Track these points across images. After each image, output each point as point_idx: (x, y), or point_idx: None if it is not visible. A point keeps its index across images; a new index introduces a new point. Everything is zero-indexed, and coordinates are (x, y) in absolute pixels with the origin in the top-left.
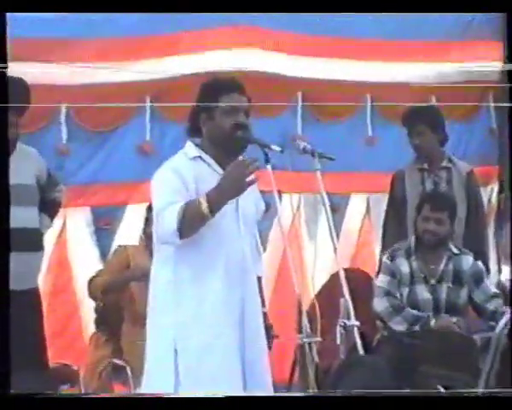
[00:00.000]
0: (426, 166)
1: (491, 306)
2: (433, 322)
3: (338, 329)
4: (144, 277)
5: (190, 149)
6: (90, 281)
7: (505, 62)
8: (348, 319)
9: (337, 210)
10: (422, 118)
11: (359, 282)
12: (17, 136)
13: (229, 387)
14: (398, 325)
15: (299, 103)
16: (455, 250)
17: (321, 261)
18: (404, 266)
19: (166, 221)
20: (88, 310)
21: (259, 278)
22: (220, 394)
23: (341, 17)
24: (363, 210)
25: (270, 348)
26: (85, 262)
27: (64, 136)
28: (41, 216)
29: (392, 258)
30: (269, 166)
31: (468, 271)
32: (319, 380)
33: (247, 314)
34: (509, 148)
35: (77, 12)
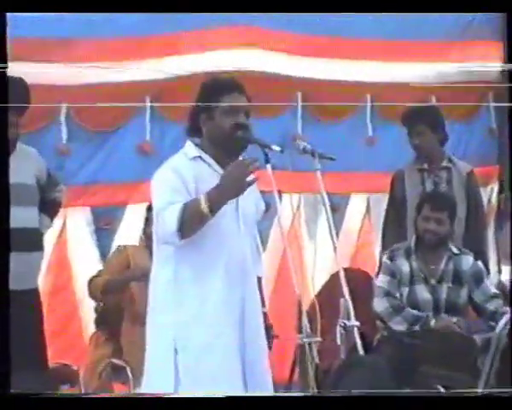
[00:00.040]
0: (426, 166)
1: (491, 306)
2: (433, 322)
3: (338, 329)
4: (144, 277)
5: (190, 148)
6: (90, 281)
7: (505, 62)
8: (348, 319)
9: (337, 210)
10: (422, 118)
11: (359, 282)
12: (17, 136)
13: (229, 387)
14: (399, 325)
15: (299, 103)
16: (455, 250)
17: (321, 261)
18: (404, 266)
19: (167, 221)
20: (88, 310)
21: (259, 279)
22: (220, 394)
23: (341, 17)
24: (363, 210)
25: (270, 348)
26: (85, 262)
27: (64, 136)
28: (41, 216)
29: (392, 258)
30: (269, 166)
31: (468, 271)
32: (319, 380)
33: (248, 314)
34: (509, 148)
35: (77, 12)
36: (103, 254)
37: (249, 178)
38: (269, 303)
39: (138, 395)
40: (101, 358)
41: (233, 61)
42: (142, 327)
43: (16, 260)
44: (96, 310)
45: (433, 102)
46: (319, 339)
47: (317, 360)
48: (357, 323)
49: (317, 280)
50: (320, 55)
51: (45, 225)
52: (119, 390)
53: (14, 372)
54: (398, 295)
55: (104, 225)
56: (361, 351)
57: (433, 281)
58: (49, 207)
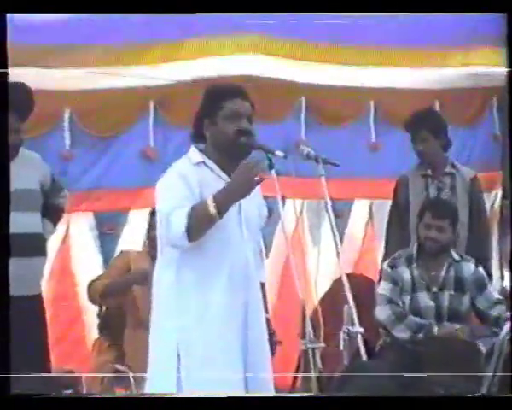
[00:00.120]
0: (429, 172)
1: (494, 312)
2: (435, 329)
3: (342, 335)
4: (145, 280)
5: (194, 154)
6: (90, 285)
7: (506, 63)
8: (352, 325)
9: (340, 216)
10: (426, 124)
11: (362, 287)
12: (20, 141)
13: (231, 392)
14: (402, 333)
15: (303, 109)
16: (456, 257)
17: (324, 267)
18: (405, 274)
19: (175, 224)
20: (91, 315)
21: (263, 284)
22: (221, 394)
23: (345, 22)
24: (367, 216)
25: (273, 354)
26: (89, 267)
27: (67, 141)
28: (44, 222)
29: (394, 265)
30: (273, 172)
31: (470, 278)
32: (322, 386)
33: (251, 320)
34: (509, 154)
35: (77, 12)
36: (106, 260)
37: (256, 178)
38: (272, 309)
39: (138, 395)
40: (104, 363)
41: (236, 67)
42: (145, 333)
43: (19, 265)
44: (99, 315)
45: (437, 107)
46: (323, 345)
47: (320, 365)
48: (361, 329)
49: (320, 286)
50: (323, 61)
51: (48, 230)
52: None
53: (17, 379)
54: (400, 302)
55: (107, 231)
56: (364, 357)
57: (434, 288)
58: (53, 213)
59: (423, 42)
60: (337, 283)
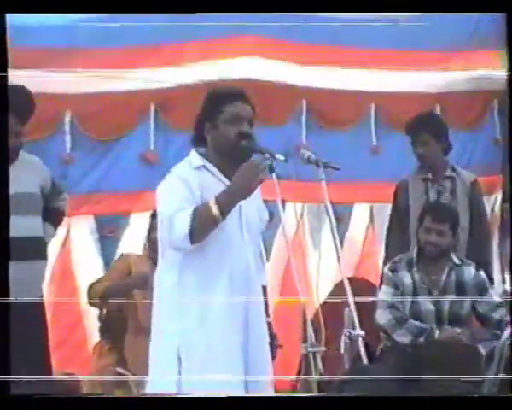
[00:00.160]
0: (430, 175)
1: (496, 315)
2: (437, 333)
3: (343, 339)
4: (146, 284)
5: (194, 158)
6: (90, 287)
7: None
8: (353, 328)
9: (341, 219)
10: (426, 127)
11: (363, 291)
12: (20, 144)
13: (231, 394)
14: (402, 337)
15: (304, 112)
16: (456, 261)
17: (325, 270)
18: (406, 278)
19: (177, 226)
20: (92, 319)
21: (264, 288)
22: (221, 394)
23: (346, 26)
24: (367, 220)
25: (273, 357)
26: (89, 271)
27: (68, 145)
28: (44, 225)
29: (394, 269)
30: (273, 176)
31: (471, 282)
32: (323, 388)
33: (251, 323)
34: (509, 158)
35: (76, 12)
36: (107, 263)
37: (258, 178)
38: (273, 312)
39: (139, 395)
40: (105, 367)
41: (237, 71)
42: (146, 338)
43: (19, 269)
44: (100, 318)
45: (438, 110)
46: (323, 348)
47: (321, 369)
48: (362, 332)
49: (321, 289)
50: (324, 64)
51: (49, 234)
52: None
53: (17, 383)
54: (400, 306)
55: (108, 234)
56: (365, 360)
57: (436, 292)
58: (53, 216)
59: (424, 45)
60: (338, 286)
